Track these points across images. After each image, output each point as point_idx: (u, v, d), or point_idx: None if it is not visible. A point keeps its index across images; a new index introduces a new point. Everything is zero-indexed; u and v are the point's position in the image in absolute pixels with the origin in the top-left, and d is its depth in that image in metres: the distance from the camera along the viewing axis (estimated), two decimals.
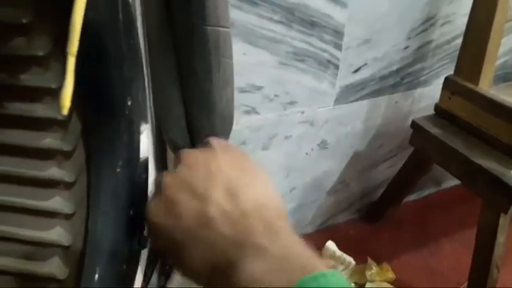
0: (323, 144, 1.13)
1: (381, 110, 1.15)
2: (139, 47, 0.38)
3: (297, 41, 0.89)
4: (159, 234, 0.36)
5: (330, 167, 1.19)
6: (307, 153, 1.12)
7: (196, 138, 0.47)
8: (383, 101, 1.14)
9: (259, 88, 0.91)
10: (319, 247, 1.12)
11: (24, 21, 0.30)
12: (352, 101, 1.08)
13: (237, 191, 0.35)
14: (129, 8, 0.34)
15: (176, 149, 0.48)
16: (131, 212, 0.39)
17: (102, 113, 0.36)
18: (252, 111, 0.94)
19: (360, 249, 1.18)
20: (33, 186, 0.39)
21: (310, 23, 0.88)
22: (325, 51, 0.94)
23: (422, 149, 1.06)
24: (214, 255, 0.33)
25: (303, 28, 0.88)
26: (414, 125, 1.04)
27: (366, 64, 1.03)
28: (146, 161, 0.42)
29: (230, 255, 0.32)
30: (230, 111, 0.46)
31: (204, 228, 0.34)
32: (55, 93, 0.33)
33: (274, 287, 0.29)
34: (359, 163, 1.23)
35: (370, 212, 1.33)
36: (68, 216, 0.40)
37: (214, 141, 0.41)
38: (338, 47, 0.96)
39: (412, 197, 1.41)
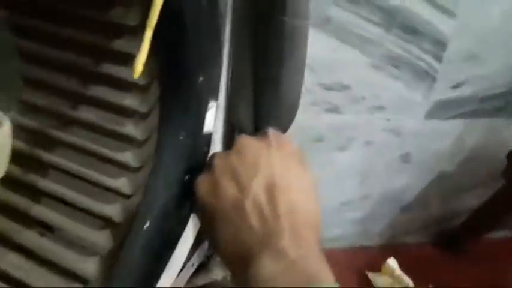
0: (406, 157, 1.12)
1: (478, 134, 1.11)
2: (221, 27, 0.43)
3: (393, 45, 0.90)
4: (202, 209, 0.41)
5: (410, 182, 1.17)
6: (386, 163, 1.12)
7: (261, 123, 0.51)
8: (481, 124, 1.09)
9: (345, 87, 0.94)
10: (380, 262, 1.12)
11: None
12: (446, 118, 1.06)
13: (276, 190, 0.38)
14: None
15: (241, 132, 0.53)
16: (186, 178, 0.45)
17: (175, 84, 0.41)
18: (334, 109, 0.96)
19: (424, 274, 1.15)
20: (109, 137, 0.47)
21: (411, 29, 0.88)
22: (423, 60, 0.94)
23: None
24: (241, 244, 0.37)
25: (402, 33, 0.88)
26: (510, 156, 1.00)
27: (467, 81, 1.00)
28: (209, 135, 0.47)
29: (253, 249, 0.36)
30: (295, 100, 0.50)
31: (238, 217, 0.37)
32: (133, 31, 0.39)
33: None
34: (443, 185, 1.20)
35: (446, 239, 1.29)
36: (134, 170, 0.47)
37: (273, 133, 0.44)
38: (438, 58, 0.94)
39: (497, 234, 1.34)
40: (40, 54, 0.47)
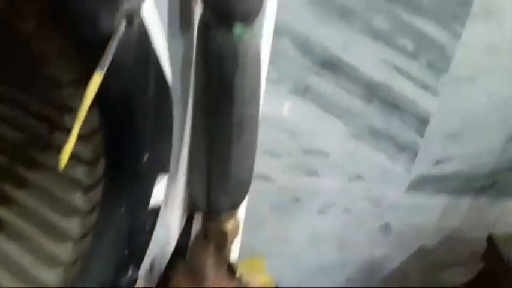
0: (386, 228, 1.12)
1: (461, 211, 1.12)
2: (171, 112, 0.45)
3: (374, 118, 0.92)
4: None
5: (389, 253, 1.17)
6: (365, 232, 1.12)
7: (212, 198, 0.53)
8: (465, 202, 1.10)
9: (325, 154, 0.96)
10: None
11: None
12: (428, 193, 1.07)
13: None
14: (162, 83, 0.41)
15: (197, 204, 0.55)
16: (125, 252, 0.46)
17: (119, 161, 0.43)
18: (313, 173, 0.98)
19: None
20: (58, 203, 0.48)
21: (392, 104, 0.91)
22: (404, 134, 0.96)
23: (494, 269, 1.01)
24: None
25: (383, 107, 0.91)
26: (490, 240, 1.00)
27: (450, 158, 1.02)
28: (157, 208, 0.49)
29: None
30: (246, 179, 0.52)
31: None
32: (85, 137, 0.42)
33: None
34: (423, 260, 1.20)
35: None
36: (77, 239, 0.48)
37: None
38: (420, 133, 0.96)
39: None
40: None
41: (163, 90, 0.43)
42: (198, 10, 0.46)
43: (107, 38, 0.33)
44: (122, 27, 0.32)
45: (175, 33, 0.45)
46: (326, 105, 0.89)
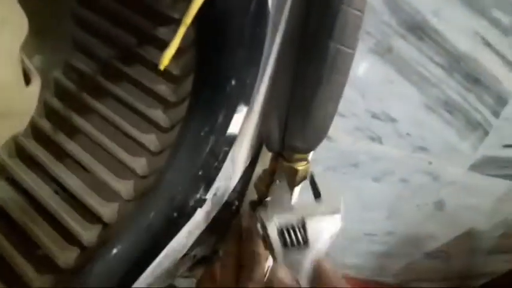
0: (439, 205, 1.07)
1: None
2: (265, 37, 0.42)
3: (452, 90, 0.86)
4: None
5: (438, 230, 1.12)
6: (418, 206, 1.07)
7: (288, 140, 0.50)
8: None
9: (393, 120, 0.91)
10: None
11: None
12: (490, 175, 1.00)
13: None
14: (263, 1, 0.38)
15: (268, 142, 0.52)
16: (199, 173, 0.45)
17: (207, 82, 0.41)
18: (376, 139, 0.93)
19: None
20: (138, 117, 0.47)
21: (474, 79, 0.84)
22: (479, 112, 0.89)
23: None
24: None
25: (464, 81, 0.84)
26: None
27: None
28: (233, 137, 0.47)
29: None
30: (325, 125, 0.49)
31: None
32: (178, 52, 0.40)
33: None
34: (471, 242, 1.14)
35: None
36: (154, 153, 0.47)
37: (324, 274, 0.43)
38: (496, 114, 0.89)
39: None
40: (93, 24, 0.48)
41: (262, 15, 0.40)
42: None
43: None
44: None
45: None
46: (404, 71, 0.83)
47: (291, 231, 0.47)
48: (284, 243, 0.46)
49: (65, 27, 0.51)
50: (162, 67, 0.31)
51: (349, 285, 0.43)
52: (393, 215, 1.09)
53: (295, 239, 0.46)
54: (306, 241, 0.46)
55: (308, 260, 0.45)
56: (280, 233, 0.46)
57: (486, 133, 0.91)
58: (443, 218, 1.08)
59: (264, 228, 0.47)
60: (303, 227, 0.47)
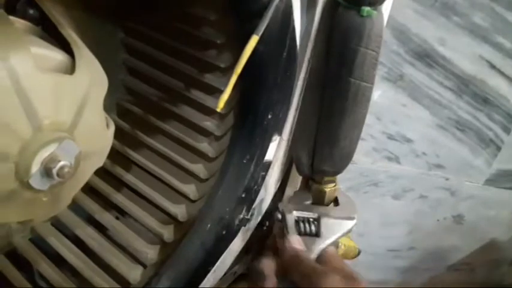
0: (459, 218, 1.10)
1: None
2: (294, 79, 0.49)
3: (462, 111, 0.91)
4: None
5: (459, 243, 1.15)
6: (438, 220, 1.11)
7: (317, 165, 0.56)
8: None
9: (408, 140, 0.96)
10: None
11: (212, 18, 0.44)
12: (506, 188, 1.04)
13: None
14: (293, 50, 0.45)
15: (299, 167, 0.58)
16: (243, 195, 0.51)
17: (247, 117, 0.48)
18: (394, 159, 0.98)
19: None
20: (187, 150, 0.54)
21: (483, 99, 0.89)
22: (490, 129, 0.94)
23: None
24: None
25: (473, 101, 0.89)
26: None
27: None
28: (268, 163, 0.53)
29: None
30: (351, 150, 0.54)
31: None
32: (222, 71, 0.46)
33: None
34: (493, 253, 1.17)
35: None
36: (202, 180, 0.53)
37: (331, 259, 0.47)
38: (506, 130, 0.94)
39: None
40: (144, 72, 0.56)
41: (292, 61, 0.47)
42: None
43: (263, 7, 0.37)
44: None
45: (303, 8, 0.48)
46: (416, 95, 0.89)
47: (306, 223, 0.51)
48: (298, 232, 0.50)
49: (118, 75, 0.59)
50: (219, 109, 0.37)
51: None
52: (414, 230, 1.12)
53: (309, 229, 0.51)
54: (317, 233, 0.50)
55: (317, 247, 0.49)
56: (296, 223, 0.51)
57: (498, 149, 0.95)
58: (464, 231, 1.11)
59: (283, 217, 0.51)
60: (318, 222, 0.51)
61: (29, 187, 0.31)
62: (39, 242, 0.55)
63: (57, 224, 0.56)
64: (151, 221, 0.52)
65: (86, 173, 0.38)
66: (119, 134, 0.58)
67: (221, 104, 0.36)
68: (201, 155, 0.53)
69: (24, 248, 0.53)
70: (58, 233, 0.54)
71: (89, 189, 0.58)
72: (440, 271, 1.22)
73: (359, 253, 0.65)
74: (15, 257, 0.55)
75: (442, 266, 1.21)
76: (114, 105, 0.60)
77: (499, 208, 1.08)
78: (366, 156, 0.99)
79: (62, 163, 0.31)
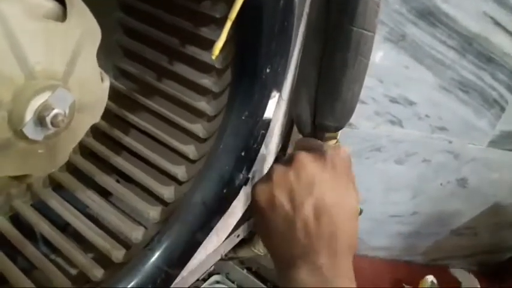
0: (462, 182, 1.10)
1: None
2: (293, 31, 0.48)
3: (466, 71, 0.89)
4: (255, 210, 0.46)
5: (463, 207, 1.15)
6: (441, 184, 1.11)
7: (318, 120, 0.55)
8: None
9: (411, 103, 0.95)
10: (418, 278, 1.12)
11: None
12: (509, 149, 1.03)
13: (324, 212, 0.42)
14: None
15: (300, 125, 0.57)
16: (242, 153, 0.50)
17: (245, 71, 0.47)
18: (397, 122, 0.97)
19: None
20: (185, 109, 0.53)
21: (487, 58, 0.88)
22: (494, 89, 0.92)
23: None
24: (286, 250, 0.43)
25: (477, 60, 0.88)
26: None
27: None
28: (268, 121, 0.52)
29: (295, 258, 0.41)
30: (353, 104, 0.53)
31: (287, 229, 0.42)
32: (218, 23, 0.45)
33: None
34: (497, 216, 1.17)
35: (491, 270, 1.25)
36: (201, 140, 0.53)
37: (330, 153, 0.47)
38: (511, 89, 0.92)
39: None
40: (139, 31, 0.54)
41: (289, 10, 0.46)
42: None
43: None
44: None
45: None
46: (419, 56, 0.87)
47: None
48: None
49: (113, 36, 0.58)
50: (214, 57, 0.36)
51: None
52: (418, 195, 1.12)
53: None
54: None
55: None
56: None
57: (502, 109, 0.94)
58: (467, 195, 1.11)
59: None
60: None
61: (23, 137, 0.30)
62: (41, 208, 0.55)
63: (58, 189, 0.56)
64: (151, 182, 0.51)
65: (82, 128, 0.38)
66: (116, 96, 0.58)
67: (216, 51, 0.36)
68: (200, 114, 0.52)
69: (25, 212, 0.53)
70: (59, 197, 0.54)
71: (88, 153, 0.58)
72: (444, 236, 1.22)
73: (361, 212, 0.65)
74: (18, 221, 0.55)
75: (446, 230, 1.21)
76: (110, 68, 0.59)
77: (502, 170, 1.07)
78: (368, 120, 0.98)
79: (55, 111, 0.30)
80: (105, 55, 0.58)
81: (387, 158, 1.04)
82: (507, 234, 1.21)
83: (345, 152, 0.50)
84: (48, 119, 0.30)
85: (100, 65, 0.38)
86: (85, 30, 0.35)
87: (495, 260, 1.26)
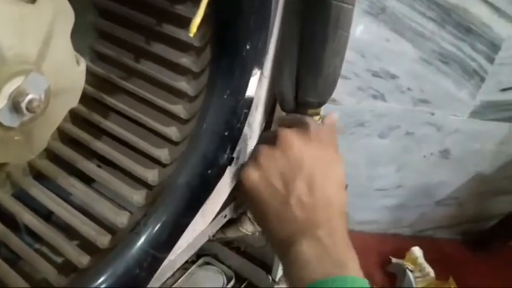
0: (445, 153, 1.12)
1: None
2: (271, 4, 0.47)
3: (446, 42, 0.90)
4: (247, 195, 0.46)
5: (446, 178, 1.18)
6: (425, 156, 1.12)
7: (301, 95, 0.55)
8: None
9: (393, 77, 0.95)
10: (405, 250, 1.14)
11: None
12: (490, 119, 1.05)
13: (315, 186, 0.43)
14: None
15: (282, 102, 0.57)
16: (225, 133, 0.50)
17: (224, 49, 0.46)
18: (379, 96, 0.98)
19: (448, 268, 1.16)
20: (165, 90, 0.52)
21: (466, 29, 0.88)
22: (474, 60, 0.93)
23: None
24: (284, 231, 0.43)
25: (456, 31, 0.89)
26: None
27: None
28: (250, 99, 0.52)
29: (294, 236, 0.42)
30: (335, 78, 0.53)
31: (283, 210, 0.43)
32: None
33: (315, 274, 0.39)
34: (479, 186, 1.19)
35: (476, 239, 1.29)
36: (183, 121, 0.52)
37: (313, 126, 0.48)
38: (490, 59, 0.93)
39: None
40: (114, 11, 0.53)
41: None
42: None
43: None
44: None
45: None
46: (399, 28, 0.88)
47: None
48: None
49: (88, 18, 0.56)
50: (191, 34, 0.36)
51: None
52: (402, 168, 1.14)
53: None
54: None
55: None
56: None
57: (482, 79, 0.95)
58: (450, 166, 1.13)
59: None
60: None
61: None
62: (22, 197, 0.54)
63: (39, 177, 0.55)
64: (134, 166, 0.51)
65: (59, 113, 0.37)
66: (94, 80, 0.57)
67: (193, 28, 0.35)
68: (181, 95, 0.51)
69: (6, 202, 0.52)
70: (40, 185, 0.53)
71: (68, 139, 0.57)
72: (430, 207, 1.24)
73: (346, 187, 0.66)
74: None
75: (431, 202, 1.23)
76: (87, 51, 0.58)
77: (483, 141, 1.09)
78: (351, 96, 0.99)
79: (30, 96, 0.30)
80: (80, 38, 0.56)
81: (371, 133, 1.05)
82: (490, 203, 1.24)
83: (329, 120, 0.51)
84: (23, 105, 0.30)
85: (75, 49, 0.37)
86: (57, 11, 0.34)
87: (479, 228, 1.29)
